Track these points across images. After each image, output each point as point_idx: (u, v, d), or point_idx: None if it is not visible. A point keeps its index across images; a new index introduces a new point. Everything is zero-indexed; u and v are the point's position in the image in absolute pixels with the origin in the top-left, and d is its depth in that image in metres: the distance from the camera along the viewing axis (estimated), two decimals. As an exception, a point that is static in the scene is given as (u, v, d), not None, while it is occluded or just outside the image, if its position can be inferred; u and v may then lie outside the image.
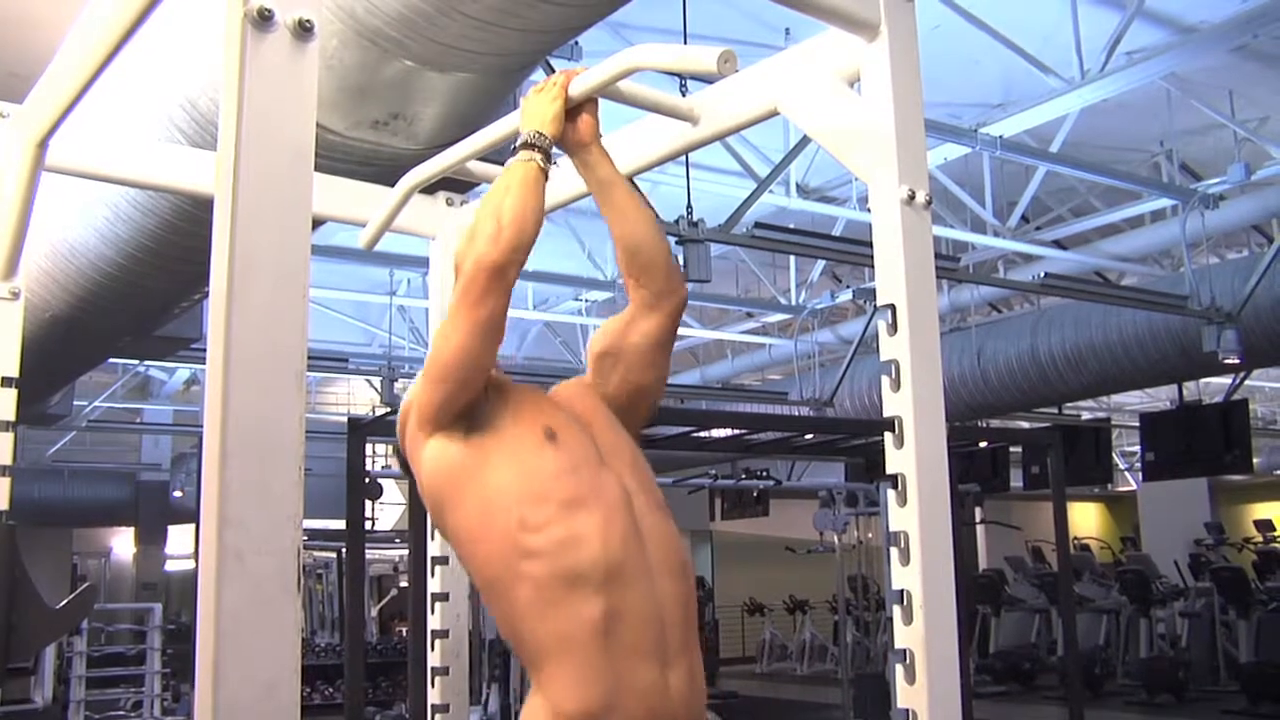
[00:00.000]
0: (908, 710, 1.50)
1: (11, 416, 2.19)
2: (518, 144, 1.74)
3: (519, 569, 1.57)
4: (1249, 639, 9.84)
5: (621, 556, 1.58)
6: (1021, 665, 11.02)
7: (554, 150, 1.77)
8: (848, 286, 9.13)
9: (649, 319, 1.84)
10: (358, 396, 14.00)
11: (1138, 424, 10.85)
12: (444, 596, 2.57)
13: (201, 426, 1.14)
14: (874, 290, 1.62)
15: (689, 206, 5.53)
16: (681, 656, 1.61)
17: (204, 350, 1.20)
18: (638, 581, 1.58)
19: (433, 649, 2.54)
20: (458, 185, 2.67)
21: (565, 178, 2.35)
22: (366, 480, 6.50)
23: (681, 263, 5.78)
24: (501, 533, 1.59)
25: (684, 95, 2.17)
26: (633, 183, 2.07)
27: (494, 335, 1.63)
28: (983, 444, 10.52)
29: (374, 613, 12.68)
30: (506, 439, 1.65)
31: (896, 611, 1.53)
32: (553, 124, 1.76)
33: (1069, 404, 11.36)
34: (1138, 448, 11.92)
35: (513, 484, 1.61)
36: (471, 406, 1.66)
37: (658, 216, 3.29)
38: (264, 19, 1.17)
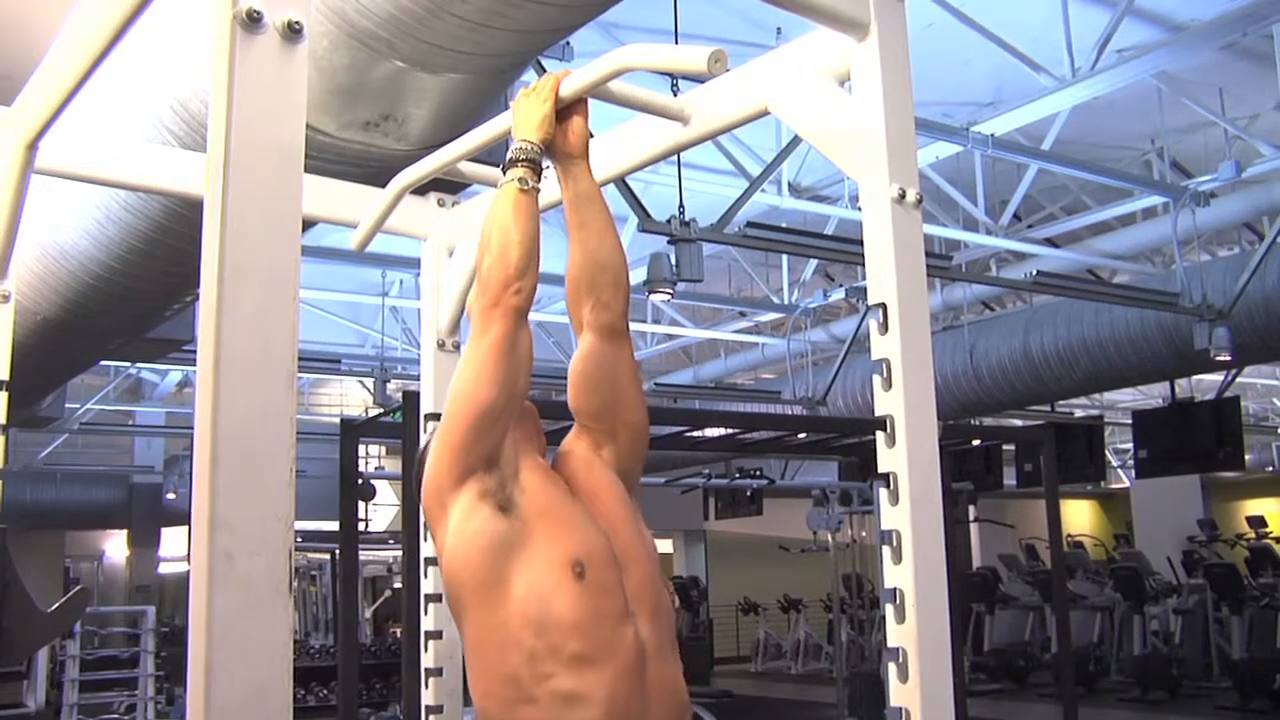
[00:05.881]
0: (901, 709, 1.50)
1: (3, 419, 2.19)
2: (506, 160, 1.73)
3: (519, 709, 1.55)
4: (1241, 635, 9.88)
5: (623, 717, 1.55)
6: (1016, 663, 11.04)
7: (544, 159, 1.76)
8: (840, 285, 9.13)
9: (594, 336, 1.86)
10: (350, 398, 14.01)
11: (1130, 421, 10.88)
12: (437, 598, 2.57)
13: (193, 428, 1.14)
14: (866, 289, 1.62)
15: (681, 206, 5.54)
16: None
17: (195, 352, 1.20)
18: None
19: (426, 650, 2.54)
20: (449, 186, 2.67)
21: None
22: (359, 481, 6.50)
23: (674, 262, 5.78)
24: (511, 666, 1.55)
25: (675, 95, 2.17)
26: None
27: (524, 363, 1.70)
28: (976, 442, 10.58)
29: (368, 614, 12.66)
30: (533, 547, 1.59)
31: (889, 610, 1.53)
32: (542, 127, 1.75)
33: (1062, 402, 11.39)
34: (1130, 445, 11.96)
35: (531, 615, 1.55)
36: (497, 455, 1.64)
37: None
38: (253, 20, 1.17)
